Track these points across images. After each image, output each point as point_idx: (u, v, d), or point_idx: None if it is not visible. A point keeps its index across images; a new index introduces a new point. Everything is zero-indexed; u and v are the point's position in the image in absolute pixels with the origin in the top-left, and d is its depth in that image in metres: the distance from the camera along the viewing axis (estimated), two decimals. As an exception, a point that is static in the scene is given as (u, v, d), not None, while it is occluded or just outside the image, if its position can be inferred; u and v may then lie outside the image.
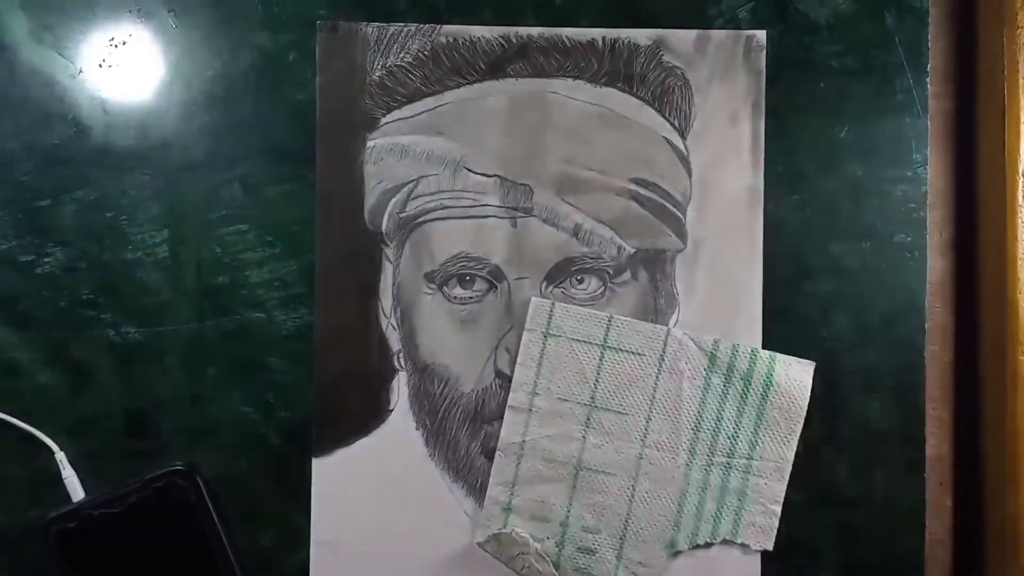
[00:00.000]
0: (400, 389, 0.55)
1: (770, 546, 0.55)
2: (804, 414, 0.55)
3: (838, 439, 0.56)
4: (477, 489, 0.56)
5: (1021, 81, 0.54)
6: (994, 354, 0.56)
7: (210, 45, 0.55)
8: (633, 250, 0.55)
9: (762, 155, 0.56)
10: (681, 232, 0.56)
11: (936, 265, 0.57)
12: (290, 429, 0.55)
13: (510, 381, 0.55)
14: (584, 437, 0.55)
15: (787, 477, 0.55)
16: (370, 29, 0.55)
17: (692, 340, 0.55)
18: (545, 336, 0.55)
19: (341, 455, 0.55)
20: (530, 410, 0.55)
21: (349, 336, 0.55)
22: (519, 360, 0.55)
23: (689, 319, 0.56)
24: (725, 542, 0.55)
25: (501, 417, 0.55)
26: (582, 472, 0.55)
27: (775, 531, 0.55)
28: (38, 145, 0.54)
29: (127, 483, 0.53)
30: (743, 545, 0.55)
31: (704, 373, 0.55)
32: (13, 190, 0.54)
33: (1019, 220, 0.54)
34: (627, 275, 0.56)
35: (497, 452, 0.55)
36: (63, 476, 0.53)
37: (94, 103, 0.54)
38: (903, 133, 0.56)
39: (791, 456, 0.55)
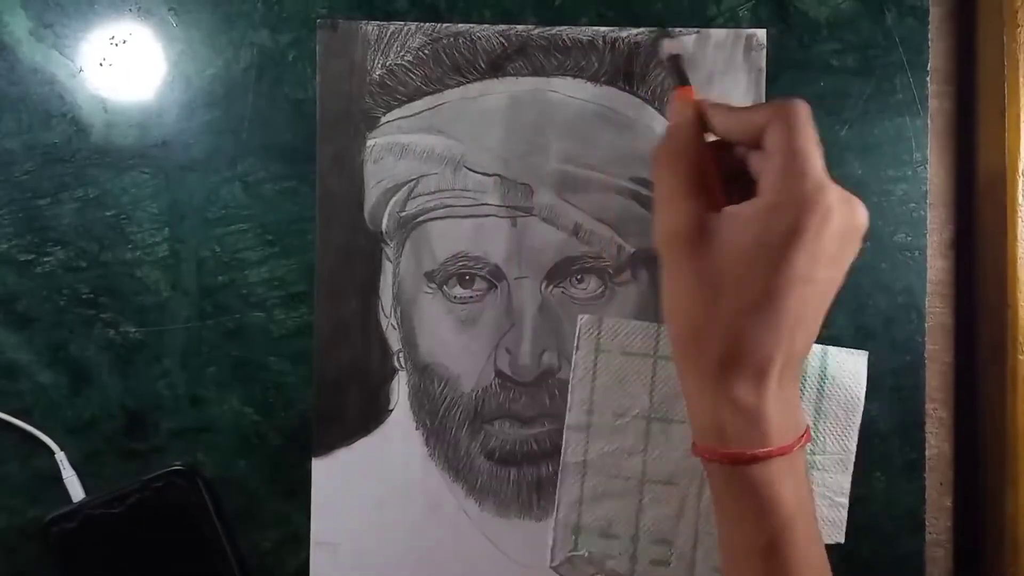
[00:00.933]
0: (400, 389, 0.55)
1: (841, 538, 0.55)
2: (862, 404, 0.55)
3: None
4: (477, 489, 0.56)
5: (1022, 81, 0.54)
6: (994, 354, 0.56)
7: (210, 44, 0.55)
8: (633, 249, 0.55)
9: (762, 154, 0.55)
10: (681, 231, 0.56)
11: (936, 265, 0.57)
12: (290, 429, 0.55)
13: (510, 381, 0.55)
14: (645, 449, 0.55)
15: (851, 468, 0.55)
16: (370, 28, 0.55)
17: None
18: (596, 352, 0.55)
19: (341, 455, 0.55)
20: (589, 428, 0.55)
21: (349, 336, 0.55)
22: (573, 378, 0.55)
23: (689, 319, 0.56)
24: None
25: (501, 417, 0.55)
26: (647, 485, 0.54)
27: (844, 523, 0.55)
28: (38, 144, 0.54)
29: (127, 483, 0.53)
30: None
31: None
32: (13, 189, 0.54)
33: (1019, 220, 0.54)
34: (627, 274, 0.55)
35: (560, 473, 0.55)
36: (63, 476, 0.53)
37: (94, 102, 0.54)
38: (903, 133, 0.56)
39: (853, 447, 0.55)
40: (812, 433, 0.54)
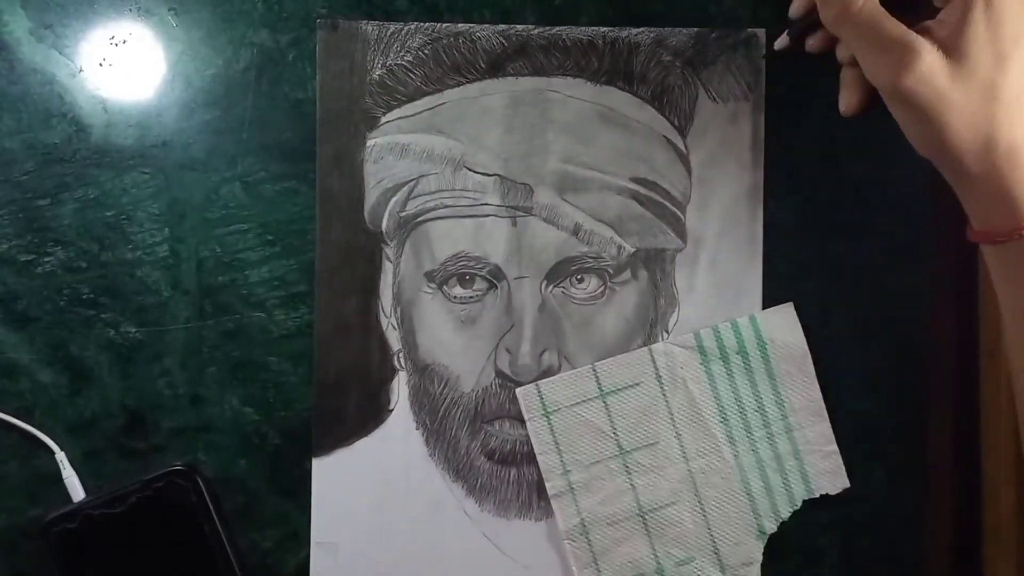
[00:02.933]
0: (400, 389, 0.55)
1: (847, 483, 0.55)
2: (808, 352, 0.55)
3: (838, 439, 0.56)
4: (477, 489, 0.56)
5: (1021, 80, 0.54)
6: (994, 354, 0.56)
7: (210, 44, 0.55)
8: (633, 249, 0.55)
9: (762, 154, 0.56)
10: (681, 231, 0.56)
11: (936, 265, 0.57)
12: (290, 429, 0.55)
13: (511, 381, 0.55)
14: (632, 484, 0.55)
15: (826, 415, 0.55)
16: (370, 27, 0.55)
17: (675, 345, 0.55)
18: (547, 416, 0.55)
19: (341, 455, 0.55)
20: (572, 490, 0.55)
21: (349, 335, 0.55)
22: (537, 450, 0.55)
23: (689, 318, 0.56)
24: (807, 503, 0.55)
25: (501, 417, 0.55)
26: (648, 515, 0.55)
27: (843, 468, 0.55)
28: (38, 144, 0.54)
29: (127, 483, 0.53)
30: (825, 496, 0.55)
31: (702, 368, 0.55)
32: (13, 189, 0.54)
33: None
34: (627, 274, 0.56)
35: (565, 543, 0.55)
36: (63, 476, 0.53)
37: (94, 102, 0.54)
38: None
39: (819, 395, 0.55)
40: (776, 397, 0.55)
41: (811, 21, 0.50)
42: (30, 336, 0.54)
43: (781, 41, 0.53)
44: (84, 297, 0.54)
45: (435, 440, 0.55)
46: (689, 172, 0.56)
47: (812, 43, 0.52)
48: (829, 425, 0.55)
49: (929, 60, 0.44)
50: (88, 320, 0.54)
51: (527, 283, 0.55)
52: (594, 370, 0.55)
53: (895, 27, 0.45)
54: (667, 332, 0.56)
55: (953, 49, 0.45)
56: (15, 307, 0.54)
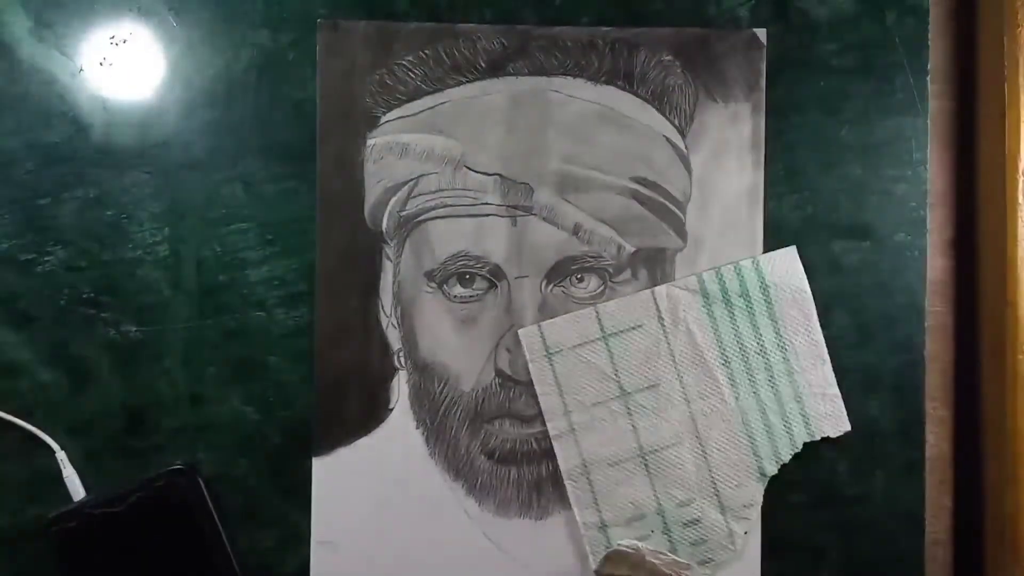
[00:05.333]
0: (400, 388, 0.55)
1: (848, 426, 0.55)
2: (810, 294, 0.55)
3: (838, 439, 0.56)
4: (477, 488, 0.56)
5: (1021, 81, 0.54)
6: (994, 354, 0.56)
7: (211, 43, 0.55)
8: (633, 249, 0.55)
9: (762, 154, 0.56)
10: (681, 231, 0.56)
11: (936, 265, 0.57)
12: (290, 428, 0.55)
13: (511, 380, 0.55)
14: (634, 426, 0.55)
15: (827, 357, 0.55)
16: (371, 28, 0.55)
17: (677, 288, 0.55)
18: (549, 357, 0.55)
19: (341, 454, 0.55)
20: (573, 430, 0.55)
21: (349, 335, 0.55)
22: (539, 391, 0.55)
23: (689, 318, 0.56)
24: (808, 445, 0.55)
25: (501, 416, 0.55)
26: (649, 457, 0.55)
27: (844, 411, 0.56)
28: (38, 143, 0.54)
29: (128, 482, 0.53)
30: (826, 440, 0.55)
31: (704, 310, 0.55)
32: (13, 189, 0.54)
33: (1019, 220, 0.54)
34: (627, 274, 0.56)
35: (566, 482, 0.55)
36: (63, 475, 0.53)
37: (94, 101, 0.54)
38: (903, 132, 0.56)
39: (821, 338, 0.55)
40: (778, 340, 0.55)
41: None
42: (31, 335, 0.54)
43: None
44: (85, 296, 0.54)
45: (435, 439, 0.55)
46: (689, 172, 0.56)
47: None
48: (831, 368, 0.55)
49: None
50: (88, 319, 0.54)
51: (527, 282, 0.55)
52: (596, 312, 0.55)
53: None
54: (667, 332, 0.56)
55: None
56: (16, 306, 0.54)
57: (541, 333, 0.55)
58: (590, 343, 0.55)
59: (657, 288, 0.55)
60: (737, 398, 0.55)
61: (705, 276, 0.55)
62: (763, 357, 0.55)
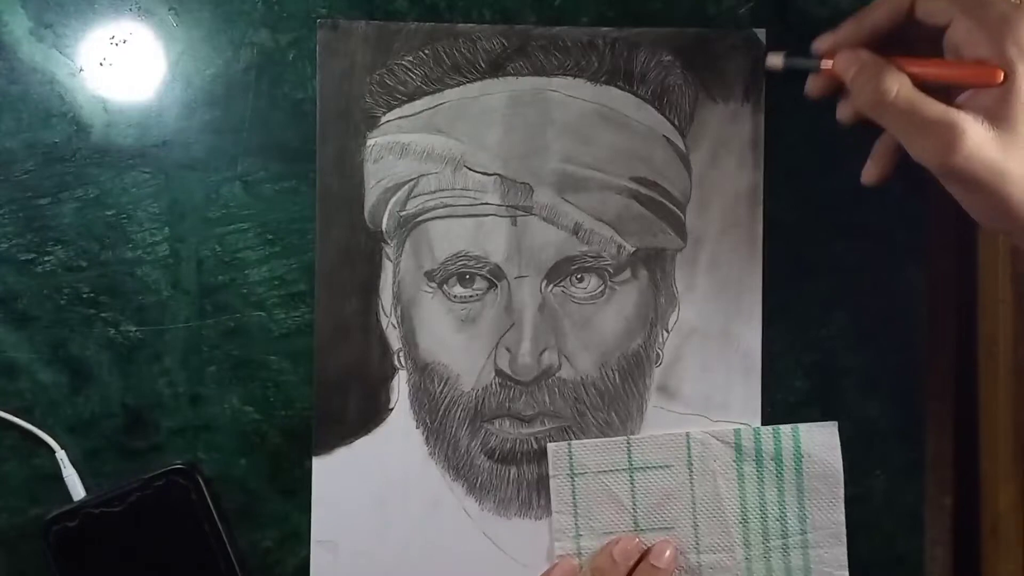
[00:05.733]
0: (400, 388, 0.55)
1: None
2: (842, 475, 0.55)
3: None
4: (477, 488, 0.56)
5: (1021, 80, 0.54)
6: (993, 354, 0.56)
7: (211, 43, 0.55)
8: (633, 249, 0.55)
9: (762, 154, 0.56)
10: (681, 231, 0.56)
11: (936, 265, 0.57)
12: (290, 428, 0.55)
13: (511, 380, 0.55)
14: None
15: (844, 540, 0.55)
16: (370, 27, 0.55)
17: (713, 437, 0.55)
18: (572, 477, 0.55)
19: (341, 454, 0.55)
20: (579, 554, 0.55)
21: (349, 335, 0.55)
22: (554, 508, 0.55)
23: (689, 318, 0.56)
24: None
25: (501, 416, 0.55)
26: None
27: None
28: (38, 143, 0.54)
29: (127, 482, 0.53)
30: None
31: (735, 465, 0.55)
32: (13, 188, 0.54)
33: (1019, 219, 0.54)
34: (627, 274, 0.56)
35: None
36: (63, 475, 0.53)
37: (94, 101, 0.54)
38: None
39: (842, 518, 0.55)
40: (800, 511, 0.54)
41: (815, 67, 0.50)
42: (30, 335, 0.54)
43: (774, 60, 0.53)
44: (84, 296, 0.54)
45: (435, 439, 0.55)
46: (689, 172, 0.56)
47: (814, 87, 0.52)
48: (845, 551, 0.55)
49: (976, 135, 0.43)
50: (88, 319, 0.54)
51: (527, 282, 0.55)
52: (628, 442, 0.55)
53: (935, 107, 0.44)
54: (667, 331, 0.56)
55: (999, 118, 0.44)
56: (15, 306, 0.54)
57: (570, 451, 0.55)
58: (615, 472, 0.55)
59: (693, 432, 0.55)
60: (747, 559, 0.55)
61: (743, 431, 0.55)
62: (782, 524, 0.55)
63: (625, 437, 0.55)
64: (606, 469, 0.55)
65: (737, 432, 0.55)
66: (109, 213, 0.54)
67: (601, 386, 0.56)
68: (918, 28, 0.48)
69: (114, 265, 0.54)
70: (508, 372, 0.55)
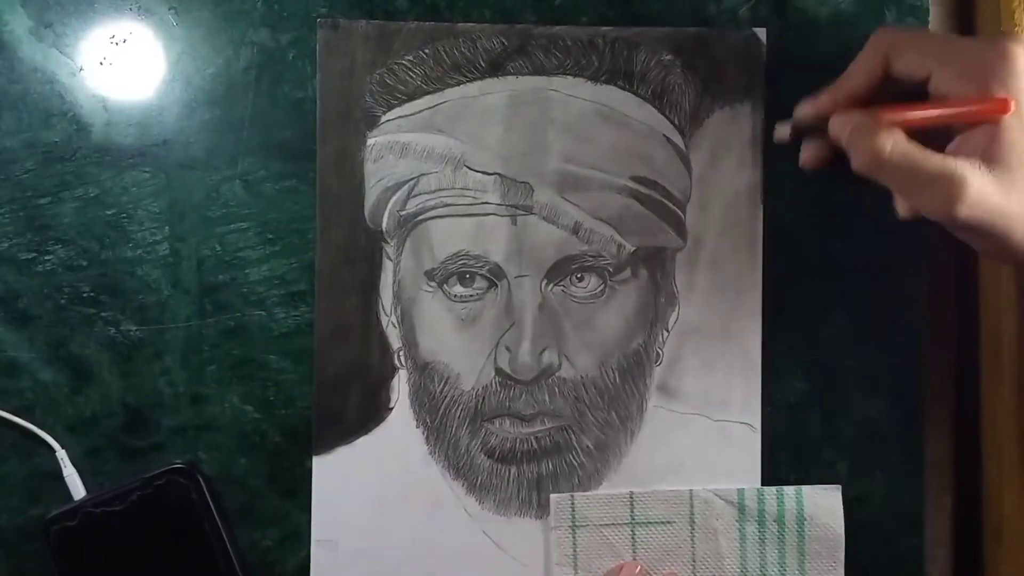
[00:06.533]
0: (400, 387, 0.55)
1: None
2: (843, 539, 0.55)
3: (838, 439, 0.56)
4: (477, 487, 0.56)
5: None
6: (995, 354, 0.56)
7: (211, 43, 0.55)
8: (633, 248, 0.55)
9: (762, 153, 0.56)
10: (681, 230, 0.56)
11: (936, 265, 0.57)
12: (290, 427, 0.55)
13: (511, 379, 0.55)
14: None
15: None
16: (370, 27, 0.55)
17: (717, 496, 0.55)
18: (573, 530, 0.55)
19: (341, 453, 0.55)
20: None
21: (349, 334, 0.55)
22: (555, 559, 0.55)
23: (689, 318, 0.56)
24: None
25: (501, 415, 0.55)
26: None
27: None
28: (38, 143, 0.54)
29: (128, 481, 0.53)
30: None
31: (737, 525, 0.55)
32: (13, 188, 0.54)
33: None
34: (627, 273, 0.56)
35: None
36: (63, 474, 0.53)
37: (94, 101, 0.54)
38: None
39: None
40: (799, 574, 0.54)
41: (816, 126, 0.50)
42: (30, 334, 0.54)
43: (781, 132, 0.53)
44: (84, 295, 0.54)
45: (435, 438, 0.55)
46: (689, 171, 0.56)
47: (808, 156, 0.52)
48: None
49: (976, 182, 0.43)
50: (88, 318, 0.54)
51: (527, 281, 0.55)
52: (631, 497, 0.55)
53: (932, 160, 0.44)
54: (667, 330, 0.56)
55: (994, 160, 0.44)
56: (15, 305, 0.54)
57: (572, 503, 0.55)
58: (617, 526, 0.55)
59: (696, 490, 0.55)
60: None
61: (747, 492, 0.55)
62: None
63: (629, 491, 0.55)
64: (608, 523, 0.55)
65: (741, 492, 0.55)
66: (109, 212, 0.54)
67: (601, 385, 0.56)
68: (899, 83, 0.48)
69: (114, 264, 0.54)
70: (508, 371, 0.55)
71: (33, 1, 0.54)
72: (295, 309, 0.55)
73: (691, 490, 0.55)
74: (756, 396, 0.56)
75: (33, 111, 0.54)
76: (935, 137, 0.46)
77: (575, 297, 0.55)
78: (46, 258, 0.54)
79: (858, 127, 0.47)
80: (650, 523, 0.55)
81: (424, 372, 0.55)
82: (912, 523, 0.56)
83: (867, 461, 0.56)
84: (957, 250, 0.57)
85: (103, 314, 0.54)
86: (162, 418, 0.55)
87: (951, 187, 0.43)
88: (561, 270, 0.55)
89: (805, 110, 0.51)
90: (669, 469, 0.56)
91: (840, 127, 0.48)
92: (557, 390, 0.55)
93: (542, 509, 0.56)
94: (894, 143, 0.45)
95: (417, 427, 0.55)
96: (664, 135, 0.55)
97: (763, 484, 0.56)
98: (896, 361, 0.56)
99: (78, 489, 0.53)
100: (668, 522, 0.55)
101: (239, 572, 0.53)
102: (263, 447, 0.55)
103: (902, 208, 0.47)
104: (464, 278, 0.55)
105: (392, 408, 0.55)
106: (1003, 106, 0.44)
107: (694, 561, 0.55)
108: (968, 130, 0.46)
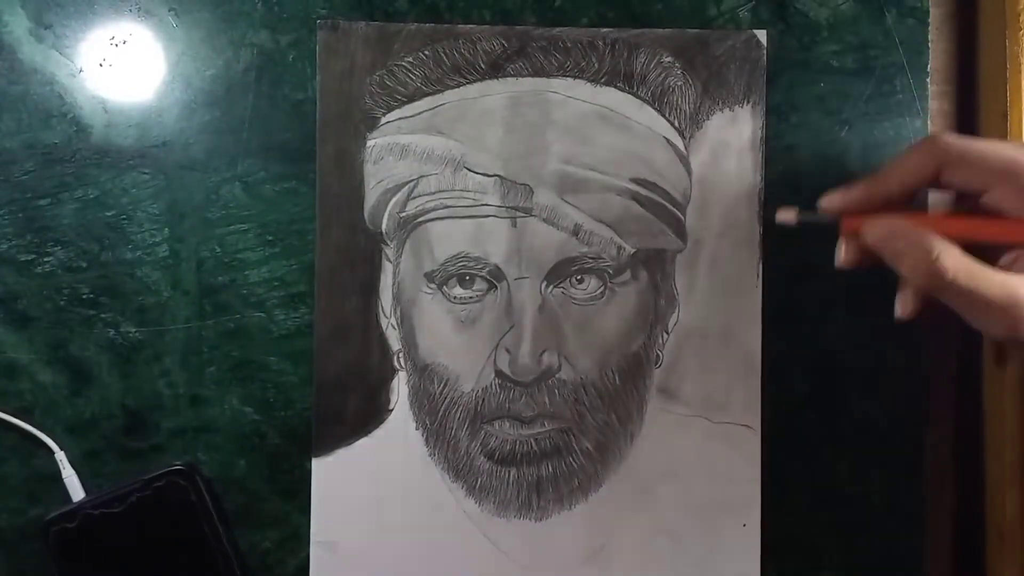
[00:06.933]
0: (400, 389, 0.55)
1: None
2: None
3: (838, 439, 0.56)
4: (477, 489, 0.56)
5: (1022, 83, 0.54)
6: (995, 354, 0.56)
7: (210, 44, 0.55)
8: (633, 250, 0.55)
9: (762, 155, 0.56)
10: (681, 232, 0.56)
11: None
12: (290, 429, 0.55)
13: (510, 381, 0.55)
14: None
15: None
16: (370, 28, 0.55)
17: None
18: None
19: (341, 455, 0.55)
20: None
21: (349, 336, 0.55)
22: None
23: (689, 319, 0.56)
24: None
25: (501, 417, 0.55)
26: None
27: None
28: (38, 144, 0.54)
29: (127, 483, 0.53)
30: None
31: None
32: (12, 189, 0.54)
33: (1020, 221, 0.54)
34: (627, 275, 0.56)
35: None
36: (63, 475, 0.53)
37: (94, 102, 0.54)
38: (903, 133, 0.56)
39: None
40: None
41: (832, 221, 0.47)
42: (30, 336, 0.54)
43: (785, 215, 0.50)
44: (84, 297, 0.54)
45: (435, 440, 0.55)
46: (689, 173, 0.56)
47: (846, 259, 0.48)
48: None
49: None
50: (88, 320, 0.54)
51: (527, 283, 0.55)
52: None
53: (994, 281, 0.42)
54: (667, 332, 0.56)
55: None
56: (15, 307, 0.54)
57: None
58: None
59: None
60: None
61: None
62: None
63: None
64: None
65: None
66: (109, 214, 0.54)
67: (601, 387, 0.56)
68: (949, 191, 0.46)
69: (114, 266, 0.54)
70: (508, 373, 0.55)
71: (33, 2, 0.54)
72: (295, 311, 0.55)
73: None
74: (756, 397, 0.56)
75: (33, 112, 0.54)
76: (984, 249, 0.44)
77: (575, 299, 0.55)
78: (46, 259, 0.54)
79: (911, 241, 0.44)
80: None
81: (424, 374, 0.55)
82: (912, 523, 0.56)
83: (867, 461, 0.56)
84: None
85: (103, 315, 0.54)
86: (161, 420, 0.55)
87: (1016, 311, 0.42)
88: (561, 272, 0.55)
89: (833, 202, 0.48)
90: (669, 471, 0.56)
91: (882, 239, 0.45)
92: (557, 392, 0.55)
93: (542, 511, 0.56)
94: (956, 265, 0.43)
95: (417, 429, 0.55)
96: (664, 137, 0.55)
97: (763, 485, 0.56)
98: (896, 361, 0.56)
99: (77, 491, 0.53)
100: None
101: (238, 574, 0.54)
102: (263, 449, 0.55)
103: (903, 310, 0.46)
104: (464, 280, 0.55)
105: (392, 410, 0.55)
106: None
107: None
108: None
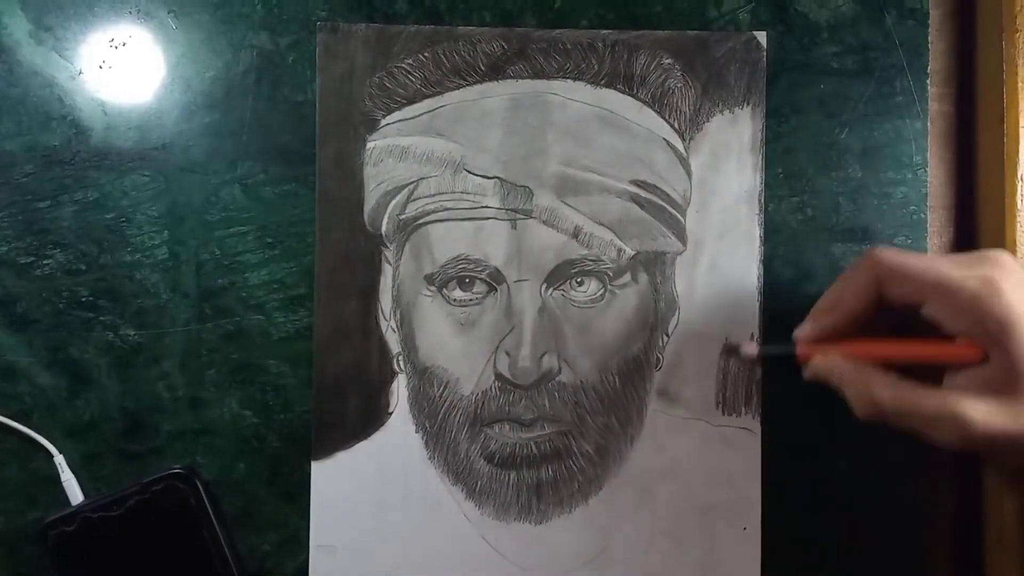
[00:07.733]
0: (400, 392, 0.55)
1: None
2: None
3: (838, 439, 0.56)
4: (476, 492, 0.56)
5: (1021, 84, 0.54)
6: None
7: (210, 46, 0.55)
8: (633, 252, 0.55)
9: (762, 157, 0.56)
10: (681, 234, 0.56)
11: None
12: (289, 432, 0.55)
13: (510, 384, 0.55)
14: None
15: None
16: (370, 30, 0.55)
17: None
18: None
19: (340, 458, 0.55)
20: None
21: (349, 338, 0.55)
22: None
23: (689, 321, 0.56)
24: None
25: (501, 420, 0.55)
26: None
27: None
28: (37, 146, 0.54)
29: (126, 486, 0.53)
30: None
31: None
32: (12, 191, 0.54)
33: (1018, 224, 0.54)
34: (627, 277, 0.55)
35: None
36: (62, 479, 0.53)
37: (94, 104, 0.54)
38: (903, 135, 0.56)
39: None
40: None
41: (789, 352, 0.50)
42: (29, 338, 0.54)
43: (749, 349, 0.54)
44: (83, 299, 0.54)
45: (435, 443, 0.55)
46: (689, 175, 0.56)
47: (811, 377, 0.50)
48: None
49: (981, 414, 0.44)
50: (87, 323, 0.54)
51: (527, 286, 0.55)
52: None
53: (931, 402, 0.45)
54: (667, 335, 0.56)
55: (999, 390, 0.44)
56: (14, 309, 0.54)
57: None
58: None
59: None
60: None
61: None
62: None
63: None
64: None
65: None
66: (108, 216, 0.54)
67: (601, 390, 0.56)
68: (892, 306, 0.48)
69: (113, 268, 0.54)
70: (508, 376, 0.55)
71: (33, 4, 0.54)
72: (294, 313, 0.55)
73: None
74: (756, 400, 0.56)
75: (32, 114, 0.54)
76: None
77: (575, 301, 0.55)
78: (45, 262, 0.54)
79: (848, 377, 0.48)
80: None
81: (423, 376, 0.55)
82: (912, 523, 0.56)
83: (867, 461, 0.56)
84: (958, 250, 0.57)
85: (102, 318, 0.54)
86: (161, 423, 0.55)
87: (955, 424, 0.44)
88: (561, 274, 0.55)
89: (804, 330, 0.51)
90: (669, 474, 0.56)
91: (825, 371, 0.49)
92: (557, 395, 0.55)
93: (542, 514, 0.56)
94: (890, 394, 0.46)
95: (416, 432, 0.55)
96: (664, 139, 0.55)
97: (763, 488, 0.56)
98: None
99: (76, 494, 0.53)
100: None
101: (238, 577, 0.54)
102: (262, 452, 0.55)
103: (859, 411, 0.48)
104: (464, 282, 0.55)
105: (391, 413, 0.55)
106: (973, 355, 0.46)
107: None
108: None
